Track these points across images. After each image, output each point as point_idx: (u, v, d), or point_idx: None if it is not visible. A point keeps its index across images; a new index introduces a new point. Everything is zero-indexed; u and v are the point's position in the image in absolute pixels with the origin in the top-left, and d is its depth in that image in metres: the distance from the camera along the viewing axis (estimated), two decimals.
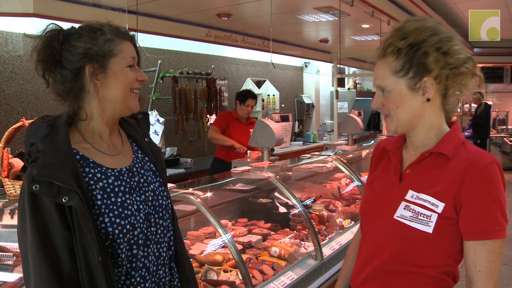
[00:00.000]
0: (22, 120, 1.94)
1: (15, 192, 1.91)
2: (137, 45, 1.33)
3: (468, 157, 1.21)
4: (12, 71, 4.40)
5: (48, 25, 1.22)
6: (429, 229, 1.19)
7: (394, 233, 1.25)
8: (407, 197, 1.25)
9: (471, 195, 1.16)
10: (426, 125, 1.28)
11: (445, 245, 1.21)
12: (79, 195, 1.09)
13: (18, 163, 1.98)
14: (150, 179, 1.35)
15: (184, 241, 1.81)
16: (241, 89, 6.04)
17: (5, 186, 1.93)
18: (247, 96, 4.75)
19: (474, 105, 9.73)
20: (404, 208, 1.25)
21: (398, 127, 1.29)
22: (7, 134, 1.91)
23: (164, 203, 1.36)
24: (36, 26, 4.43)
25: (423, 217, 1.20)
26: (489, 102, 10.24)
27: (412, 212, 1.23)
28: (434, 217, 1.19)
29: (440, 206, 1.19)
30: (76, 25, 1.26)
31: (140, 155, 1.38)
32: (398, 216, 1.25)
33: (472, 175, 1.17)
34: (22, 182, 1.88)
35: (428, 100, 1.24)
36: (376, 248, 1.31)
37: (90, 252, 1.09)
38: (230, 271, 2.27)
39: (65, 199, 1.07)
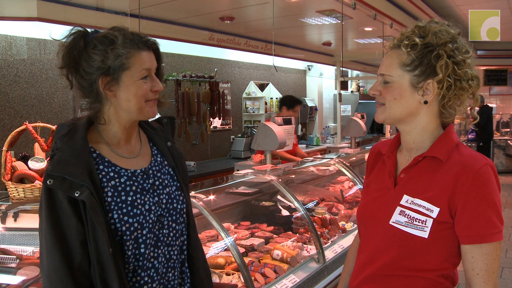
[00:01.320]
0: (26, 124, 1.95)
1: (18, 195, 1.91)
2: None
3: (461, 160, 1.21)
4: (16, 74, 4.42)
5: (73, 28, 1.26)
6: (425, 234, 1.19)
7: (391, 239, 1.25)
8: (402, 202, 1.25)
9: (465, 199, 1.16)
10: (419, 127, 1.28)
11: (442, 249, 1.20)
12: (90, 190, 1.16)
13: (21, 166, 1.98)
14: (166, 182, 1.38)
15: None
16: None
17: (8, 189, 1.94)
18: (296, 102, 5.04)
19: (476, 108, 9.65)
20: (399, 214, 1.24)
21: (387, 119, 1.29)
22: (10, 137, 1.92)
23: (179, 207, 1.38)
24: (39, 30, 4.46)
25: (419, 222, 1.20)
26: (490, 105, 10.14)
27: (407, 217, 1.22)
28: (430, 222, 1.19)
29: (435, 211, 1.19)
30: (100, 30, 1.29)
31: (159, 159, 1.41)
32: (393, 222, 1.24)
33: (465, 178, 1.16)
34: (24, 185, 1.90)
35: (425, 102, 1.24)
36: (373, 252, 1.30)
37: (101, 244, 1.15)
38: (232, 274, 2.27)
39: (77, 193, 1.14)
